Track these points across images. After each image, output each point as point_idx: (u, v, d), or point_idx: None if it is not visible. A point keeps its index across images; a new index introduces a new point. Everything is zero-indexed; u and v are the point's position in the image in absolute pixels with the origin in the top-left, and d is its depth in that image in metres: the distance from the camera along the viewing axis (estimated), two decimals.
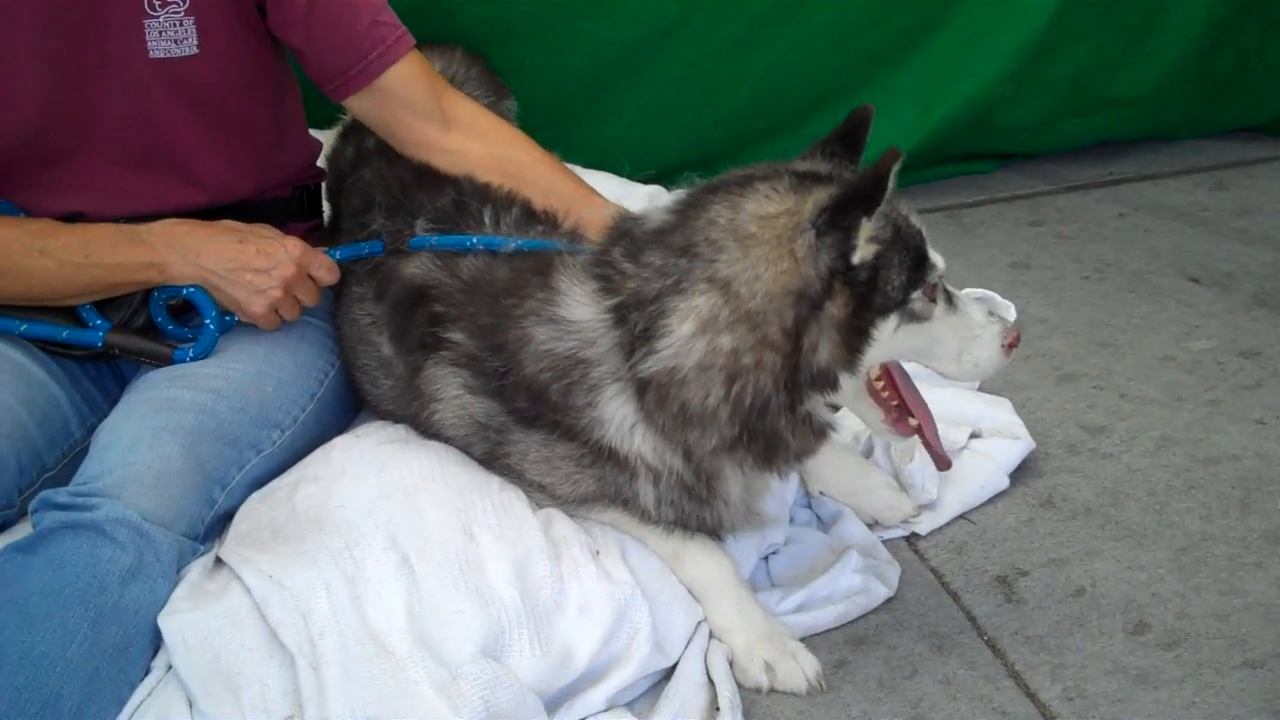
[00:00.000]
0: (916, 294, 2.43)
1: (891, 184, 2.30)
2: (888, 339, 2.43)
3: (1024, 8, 4.88)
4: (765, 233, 2.38)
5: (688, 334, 2.39)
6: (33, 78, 2.69)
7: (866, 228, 2.33)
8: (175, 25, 2.75)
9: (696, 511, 2.64)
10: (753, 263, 2.36)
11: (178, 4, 2.74)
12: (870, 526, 2.98)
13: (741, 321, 2.36)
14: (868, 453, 3.16)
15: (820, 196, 2.38)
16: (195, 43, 2.78)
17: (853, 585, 2.75)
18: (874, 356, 2.44)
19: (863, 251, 2.34)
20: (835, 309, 2.36)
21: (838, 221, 2.32)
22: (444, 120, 3.07)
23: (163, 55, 2.77)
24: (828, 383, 2.41)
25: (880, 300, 2.39)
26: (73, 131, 2.77)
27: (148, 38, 2.75)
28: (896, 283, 2.40)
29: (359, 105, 3.05)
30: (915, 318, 2.45)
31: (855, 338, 2.39)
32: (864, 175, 2.35)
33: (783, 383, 2.39)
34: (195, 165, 2.90)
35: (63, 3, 2.66)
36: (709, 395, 2.41)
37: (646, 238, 2.50)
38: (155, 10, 2.73)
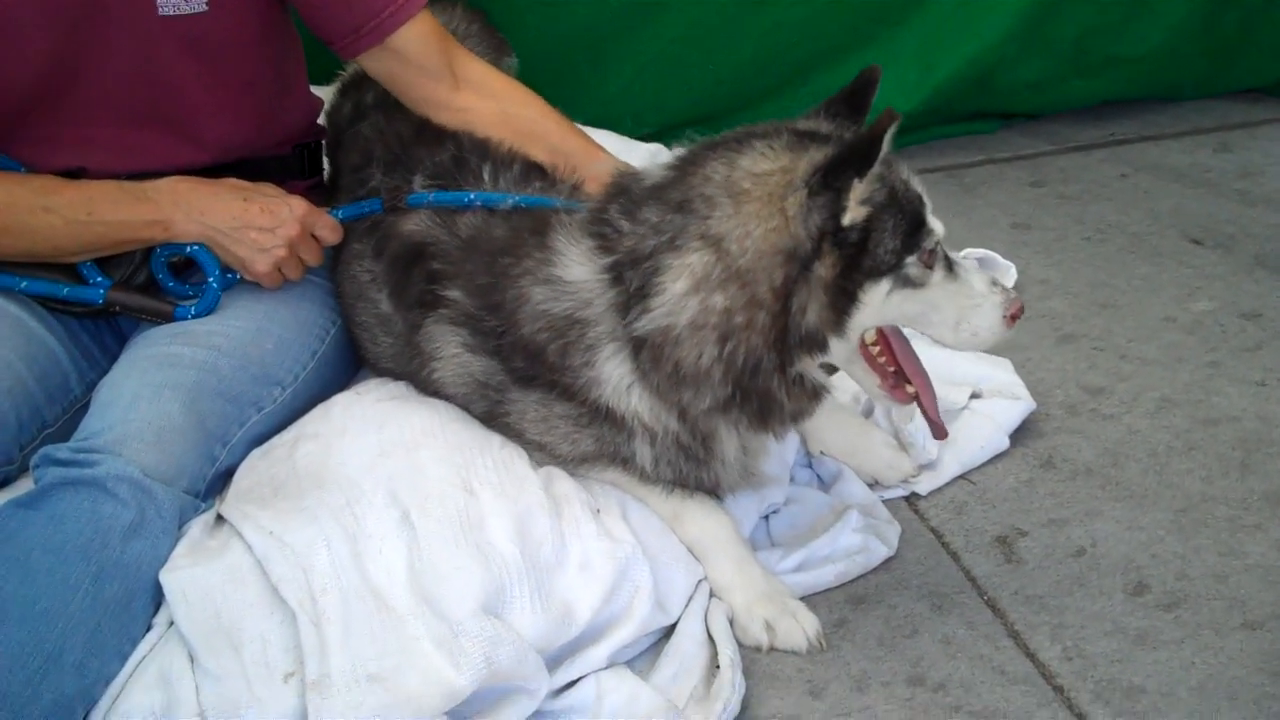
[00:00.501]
0: (911, 259, 2.41)
1: (886, 146, 2.29)
2: (879, 303, 2.41)
3: None
4: (757, 189, 2.37)
5: (681, 292, 2.38)
6: (40, 35, 2.66)
7: (858, 189, 2.32)
8: None
9: (694, 471, 2.65)
10: (744, 219, 2.36)
11: None
12: (870, 486, 2.99)
13: (733, 279, 2.36)
14: (868, 413, 3.17)
15: (815, 156, 2.37)
16: (204, 0, 2.77)
17: (853, 544, 2.76)
18: (864, 320, 2.43)
19: (853, 213, 2.33)
20: (823, 270, 2.35)
21: (830, 181, 2.31)
22: (454, 79, 3.05)
23: (172, 13, 2.74)
24: (816, 345, 2.41)
25: (869, 263, 2.37)
26: (76, 87, 2.75)
27: None
28: (889, 247, 2.38)
29: (369, 63, 3.03)
30: (910, 283, 2.43)
31: (842, 300, 2.37)
32: (858, 136, 2.34)
33: (773, 343, 2.39)
34: (200, 123, 2.88)
35: None
36: (702, 354, 2.41)
37: (644, 194, 2.49)
38: None
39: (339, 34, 2.96)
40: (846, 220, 2.33)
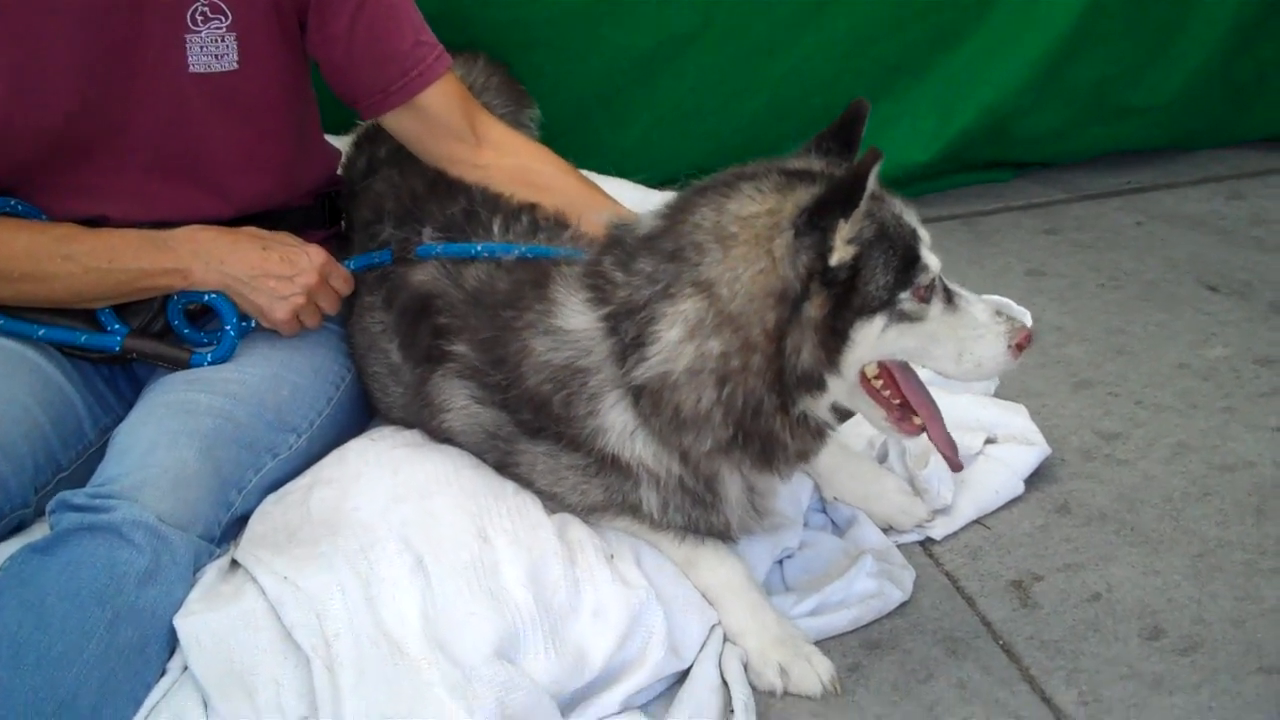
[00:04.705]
0: (905, 294, 2.39)
1: (873, 183, 2.29)
2: (873, 340, 2.40)
3: (1046, 17, 4.88)
4: (745, 233, 2.38)
5: (676, 339, 2.39)
6: (66, 82, 2.70)
7: (844, 229, 2.31)
8: (217, 41, 2.77)
9: (703, 516, 2.65)
10: (732, 263, 2.36)
11: (220, 20, 2.75)
12: (885, 531, 2.98)
13: (726, 324, 2.36)
14: (882, 458, 3.16)
15: (802, 196, 2.37)
16: (235, 58, 2.80)
17: (867, 589, 2.75)
18: (860, 357, 2.42)
19: (840, 253, 2.32)
20: (813, 310, 2.34)
21: (815, 222, 2.31)
22: (475, 137, 3.10)
23: (202, 70, 2.78)
24: (814, 384, 2.40)
25: (859, 301, 2.36)
26: (104, 138, 2.78)
27: (188, 52, 2.76)
28: (880, 283, 2.36)
29: (393, 121, 3.06)
30: (906, 318, 2.41)
31: (833, 339, 2.36)
32: (842, 176, 2.34)
33: (771, 384, 2.38)
34: (224, 176, 2.91)
35: (105, 12, 2.67)
36: (701, 398, 2.40)
37: (637, 244, 2.50)
38: (198, 26, 2.74)
39: (365, 93, 3.00)
40: (834, 260, 2.32)
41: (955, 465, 2.66)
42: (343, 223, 3.30)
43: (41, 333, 2.78)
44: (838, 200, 2.29)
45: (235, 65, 2.81)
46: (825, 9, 4.71)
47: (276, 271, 2.80)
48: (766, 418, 2.42)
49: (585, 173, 3.34)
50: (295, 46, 2.93)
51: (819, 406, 2.46)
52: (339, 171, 3.44)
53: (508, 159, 3.12)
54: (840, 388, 2.44)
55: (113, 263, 2.73)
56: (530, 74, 4.37)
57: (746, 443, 2.45)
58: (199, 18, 2.74)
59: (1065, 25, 4.90)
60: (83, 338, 2.79)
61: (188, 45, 2.76)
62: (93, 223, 2.79)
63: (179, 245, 2.77)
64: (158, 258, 2.76)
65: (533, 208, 3.00)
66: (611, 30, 4.54)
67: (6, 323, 2.79)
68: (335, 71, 2.99)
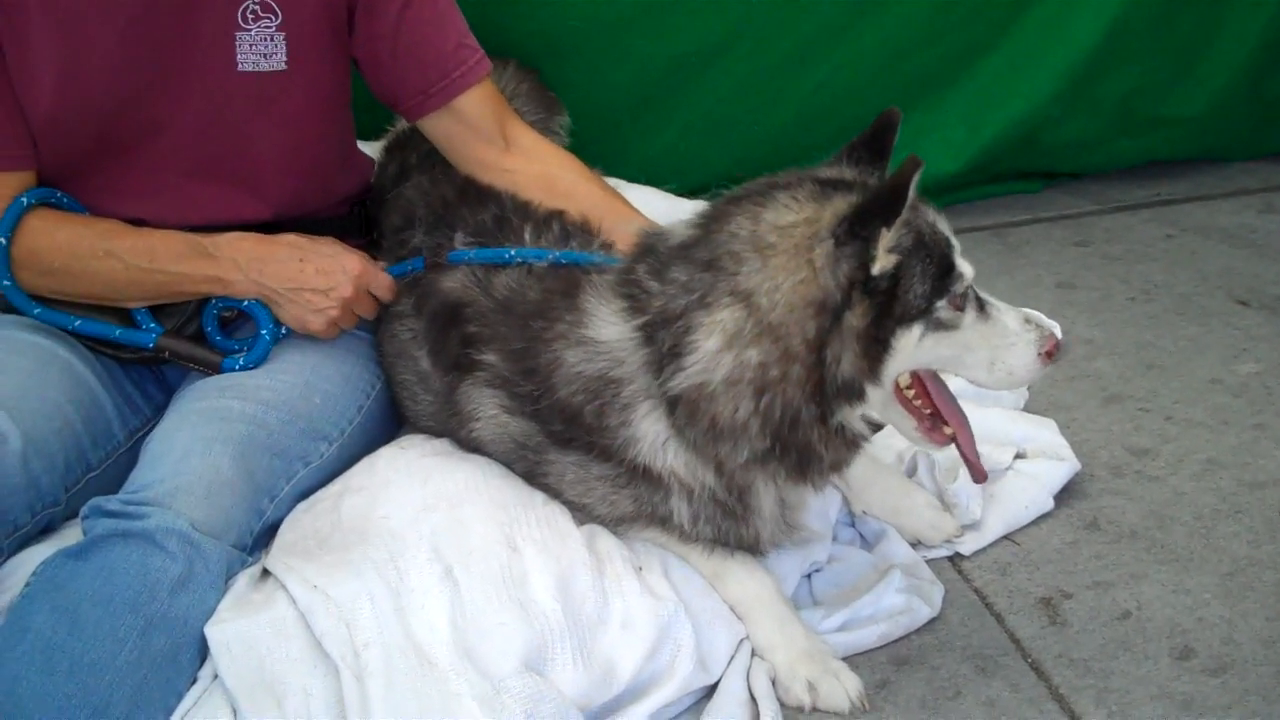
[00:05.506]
0: (942, 303, 2.40)
1: (912, 192, 2.28)
2: (912, 349, 2.40)
3: (1075, 29, 4.87)
4: (784, 242, 2.37)
5: (714, 349, 2.38)
6: (113, 74, 2.71)
7: (886, 237, 2.31)
8: (266, 40, 2.78)
9: (734, 528, 2.64)
10: (772, 273, 2.36)
11: (271, 19, 2.77)
12: (913, 546, 2.97)
13: (765, 334, 2.35)
14: (911, 472, 3.15)
15: (840, 205, 2.37)
16: (284, 58, 2.82)
17: (896, 605, 2.74)
18: (899, 366, 2.42)
19: (882, 262, 2.32)
20: (854, 319, 2.34)
21: (856, 231, 2.30)
22: (504, 142, 3.12)
23: (251, 69, 2.80)
24: (854, 394, 2.40)
25: (900, 310, 2.36)
26: (145, 134, 2.81)
27: (237, 50, 2.78)
28: (919, 292, 2.37)
29: (430, 123, 3.09)
30: (942, 326, 2.42)
31: (875, 348, 2.36)
32: (884, 184, 2.34)
33: (810, 395, 2.38)
34: (264, 180, 2.93)
35: (157, 5, 2.69)
36: (738, 409, 2.40)
37: (671, 253, 2.50)
38: (248, 24, 2.76)
39: (406, 95, 3.02)
40: (876, 269, 2.32)
41: (980, 474, 2.65)
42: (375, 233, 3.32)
43: (77, 324, 2.81)
44: (880, 209, 2.29)
45: (284, 65, 2.82)
46: (857, 21, 4.71)
47: (312, 285, 2.82)
48: (804, 428, 2.41)
49: (614, 181, 3.37)
50: (341, 48, 2.95)
51: (855, 417, 2.46)
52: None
53: (534, 165, 3.13)
54: (878, 396, 2.44)
55: (153, 263, 2.76)
56: (561, 81, 4.38)
57: (783, 454, 2.45)
58: (249, 15, 2.76)
59: (1093, 38, 4.89)
60: (117, 332, 2.82)
61: (237, 43, 2.78)
62: (130, 224, 2.81)
63: (221, 254, 2.79)
64: (199, 265, 2.78)
65: (561, 215, 3.00)
66: (642, 39, 4.55)
67: (43, 312, 2.82)
68: (378, 70, 3.01)
